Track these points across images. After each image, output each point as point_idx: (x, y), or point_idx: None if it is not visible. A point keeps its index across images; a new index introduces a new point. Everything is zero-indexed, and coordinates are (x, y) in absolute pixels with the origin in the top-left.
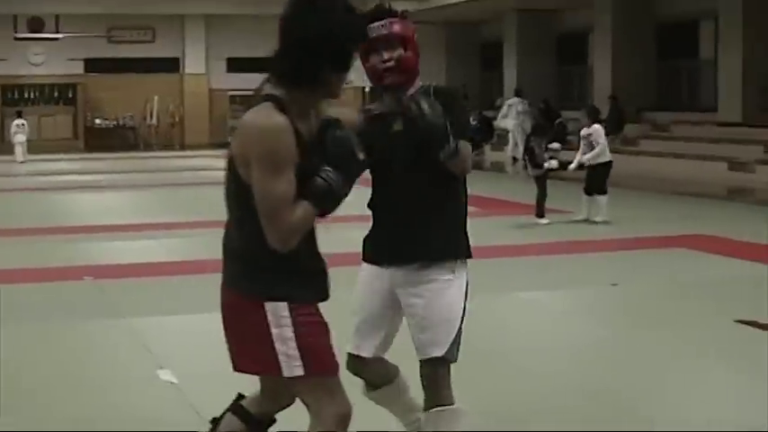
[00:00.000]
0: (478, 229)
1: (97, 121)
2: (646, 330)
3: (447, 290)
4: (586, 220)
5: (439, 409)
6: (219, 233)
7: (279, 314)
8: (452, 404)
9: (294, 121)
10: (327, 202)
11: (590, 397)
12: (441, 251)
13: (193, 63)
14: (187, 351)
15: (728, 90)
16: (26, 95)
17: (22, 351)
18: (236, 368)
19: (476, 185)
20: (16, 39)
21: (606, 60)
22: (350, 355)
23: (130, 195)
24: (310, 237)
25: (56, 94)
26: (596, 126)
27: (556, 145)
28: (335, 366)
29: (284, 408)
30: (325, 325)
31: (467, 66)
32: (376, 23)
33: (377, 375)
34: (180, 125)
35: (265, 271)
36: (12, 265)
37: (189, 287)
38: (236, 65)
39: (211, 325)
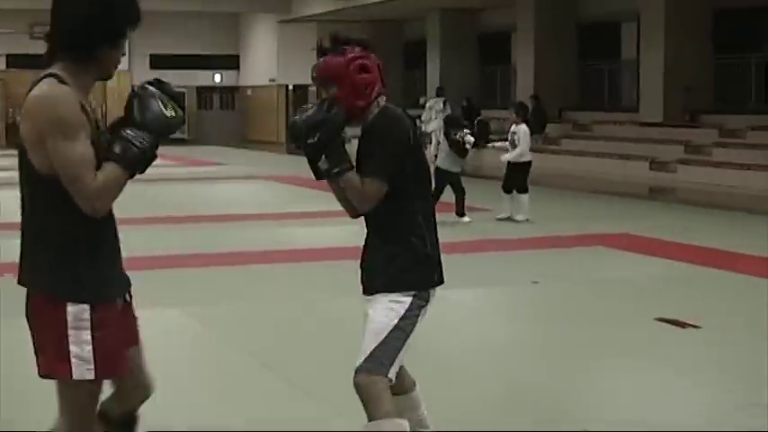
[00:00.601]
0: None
1: (18, 117)
2: (567, 328)
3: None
4: (509, 218)
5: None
6: (144, 229)
7: (80, 316)
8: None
9: (77, 94)
10: (138, 160)
11: (514, 396)
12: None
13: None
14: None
15: (650, 90)
16: None
17: (14, 344)
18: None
19: None
20: None
21: (529, 60)
22: None
23: None
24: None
25: None
26: (522, 126)
27: (470, 138)
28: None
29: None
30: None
31: (390, 64)
32: (314, 65)
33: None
34: (103, 122)
35: (67, 270)
36: None
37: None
38: (159, 61)
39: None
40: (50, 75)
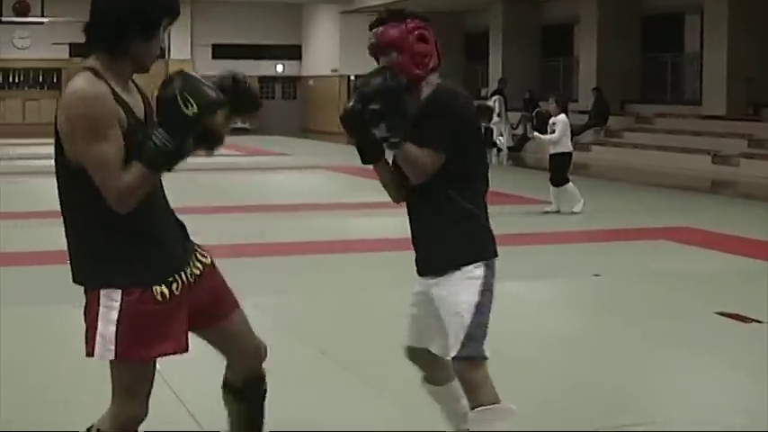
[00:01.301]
0: None
1: None
2: (627, 321)
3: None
4: (558, 212)
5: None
6: (205, 219)
7: (111, 297)
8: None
9: (114, 88)
10: (158, 160)
11: (572, 388)
12: None
13: (178, 49)
14: None
15: (713, 83)
16: (11, 79)
17: (10, 334)
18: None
19: None
20: (1, 22)
21: (591, 52)
22: None
23: None
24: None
25: (40, 78)
26: (561, 116)
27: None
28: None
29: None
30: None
31: (451, 55)
32: (371, 32)
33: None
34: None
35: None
36: (1, 249)
37: None
38: (221, 51)
39: None
40: (87, 68)
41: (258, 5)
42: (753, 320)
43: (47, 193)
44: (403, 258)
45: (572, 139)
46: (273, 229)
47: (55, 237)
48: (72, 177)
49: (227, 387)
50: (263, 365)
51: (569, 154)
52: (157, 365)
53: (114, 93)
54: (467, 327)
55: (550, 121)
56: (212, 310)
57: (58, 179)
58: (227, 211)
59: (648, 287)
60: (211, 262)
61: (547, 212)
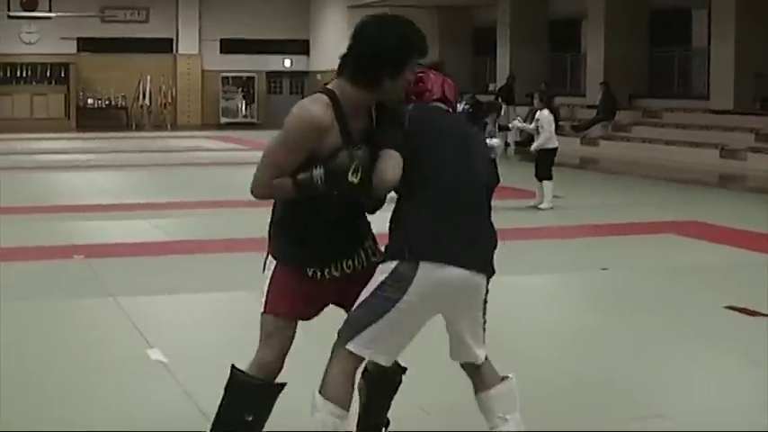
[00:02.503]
0: None
1: (89, 100)
2: (636, 315)
3: None
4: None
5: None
6: (209, 214)
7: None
8: None
9: (344, 114)
10: (302, 189)
11: (582, 381)
12: None
13: (187, 44)
14: (177, 331)
15: (720, 78)
16: (18, 74)
17: (12, 329)
18: None
19: None
20: (9, 17)
21: (599, 47)
22: None
23: (121, 175)
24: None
25: (48, 73)
26: (545, 112)
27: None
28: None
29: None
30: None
31: (459, 50)
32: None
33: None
34: (172, 106)
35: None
36: (3, 244)
37: (179, 267)
38: (229, 46)
39: (202, 305)
40: (326, 90)
41: (267, 0)
42: (761, 314)
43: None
44: None
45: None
46: (263, 224)
47: (60, 231)
48: None
49: (363, 375)
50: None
51: (555, 150)
52: (168, 364)
53: (340, 120)
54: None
55: (535, 116)
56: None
57: None
58: (231, 206)
59: (656, 281)
60: (365, 266)
61: (531, 207)
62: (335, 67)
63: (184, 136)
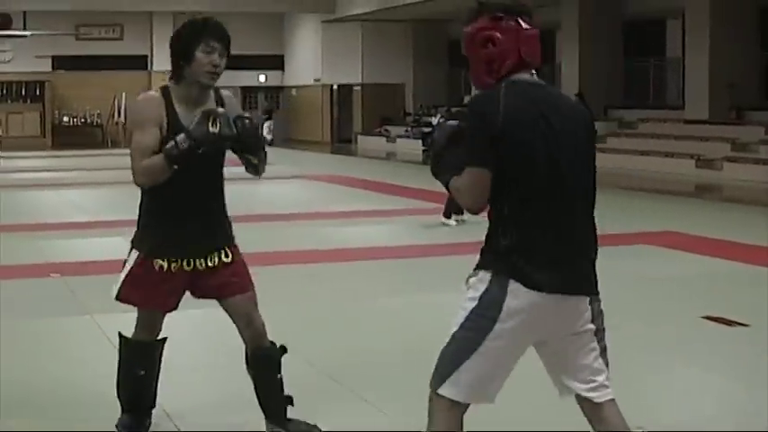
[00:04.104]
0: (450, 228)
1: (65, 118)
2: (611, 327)
3: None
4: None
5: None
6: None
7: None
8: None
9: (173, 102)
10: (170, 158)
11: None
12: None
13: (161, 60)
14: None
15: (695, 88)
16: None
17: None
18: None
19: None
20: None
21: (573, 58)
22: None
23: (98, 193)
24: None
25: (23, 91)
26: None
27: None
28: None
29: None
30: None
31: (434, 63)
32: None
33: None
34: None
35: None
36: None
37: None
38: None
39: (179, 321)
40: (162, 87)
41: (240, 16)
42: (738, 324)
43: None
44: (387, 267)
45: None
46: (255, 239)
47: (36, 250)
48: None
49: (245, 359)
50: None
51: None
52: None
53: (170, 106)
54: None
55: None
56: (218, 292)
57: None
58: None
59: (632, 292)
60: (231, 261)
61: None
62: (309, 81)
63: None
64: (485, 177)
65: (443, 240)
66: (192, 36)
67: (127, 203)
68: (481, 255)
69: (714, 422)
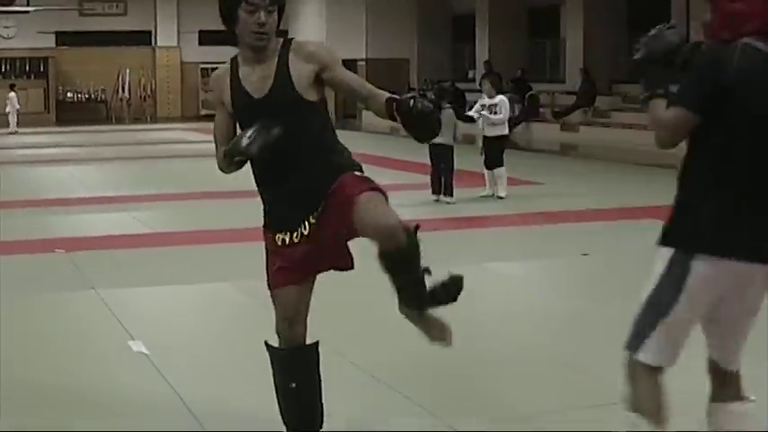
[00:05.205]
0: (444, 205)
1: (69, 94)
2: (618, 300)
3: None
4: (493, 196)
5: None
6: (192, 205)
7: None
8: None
9: (240, 66)
10: (226, 155)
11: (563, 364)
12: None
13: (165, 36)
14: (160, 323)
15: None
16: None
17: None
18: None
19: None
20: None
21: (578, 33)
22: None
23: (102, 168)
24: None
25: (27, 67)
26: (501, 96)
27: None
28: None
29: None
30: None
31: (438, 38)
32: None
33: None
34: (152, 98)
35: None
36: None
37: (161, 259)
38: (208, 38)
39: (184, 297)
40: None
41: None
42: None
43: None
44: None
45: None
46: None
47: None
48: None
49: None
50: (396, 241)
51: (507, 137)
52: (150, 356)
53: (232, 71)
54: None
55: (486, 102)
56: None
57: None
58: (185, 198)
59: (638, 266)
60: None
61: (483, 197)
62: None
63: (164, 128)
64: (691, 122)
65: (449, 215)
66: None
67: (130, 179)
68: (673, 219)
69: None
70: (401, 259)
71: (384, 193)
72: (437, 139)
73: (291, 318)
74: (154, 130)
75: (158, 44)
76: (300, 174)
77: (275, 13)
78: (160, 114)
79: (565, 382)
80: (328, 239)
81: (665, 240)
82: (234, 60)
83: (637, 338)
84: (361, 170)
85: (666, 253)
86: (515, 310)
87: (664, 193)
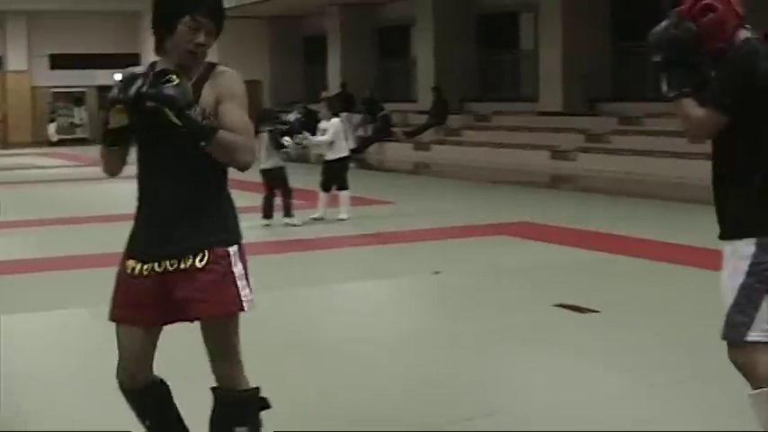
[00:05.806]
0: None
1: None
2: (468, 317)
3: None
4: (322, 219)
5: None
6: (46, 232)
7: None
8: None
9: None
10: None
11: (414, 383)
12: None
13: (15, 60)
14: (11, 350)
15: (549, 80)
16: None
17: None
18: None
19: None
20: None
21: (428, 52)
22: None
23: None
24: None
25: None
26: (334, 120)
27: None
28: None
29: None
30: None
31: (291, 60)
32: None
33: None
34: (2, 123)
35: None
36: None
37: (15, 286)
38: (59, 61)
39: (38, 324)
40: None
41: (95, 15)
42: (589, 310)
43: None
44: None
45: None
46: (104, 238)
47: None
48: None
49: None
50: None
51: (348, 158)
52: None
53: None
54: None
55: (322, 125)
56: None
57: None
58: (62, 223)
59: (488, 283)
60: (188, 267)
61: (315, 219)
62: None
63: (15, 154)
64: (722, 123)
65: (293, 236)
66: (176, 3)
67: None
68: (736, 218)
69: (567, 404)
70: (234, 402)
71: (243, 307)
72: (265, 165)
73: (131, 359)
74: (4, 155)
75: (8, 68)
76: (180, 203)
77: (212, 37)
78: (11, 140)
79: (415, 402)
80: (175, 298)
81: (743, 232)
82: (152, 67)
83: (741, 326)
84: (238, 242)
85: (744, 245)
86: (364, 330)
87: (515, 209)
